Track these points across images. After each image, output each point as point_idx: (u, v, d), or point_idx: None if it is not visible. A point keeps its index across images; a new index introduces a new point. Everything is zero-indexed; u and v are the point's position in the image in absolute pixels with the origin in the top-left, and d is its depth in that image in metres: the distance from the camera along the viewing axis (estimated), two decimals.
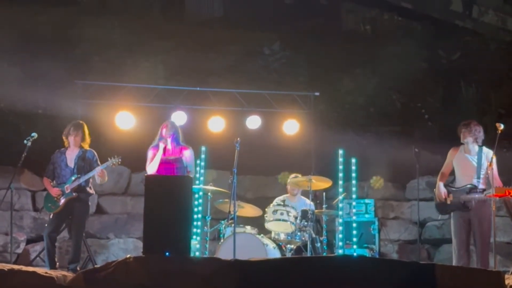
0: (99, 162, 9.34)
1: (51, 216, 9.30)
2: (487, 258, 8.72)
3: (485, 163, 8.88)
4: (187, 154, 9.16)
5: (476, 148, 9.01)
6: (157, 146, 9.15)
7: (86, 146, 9.40)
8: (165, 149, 9.13)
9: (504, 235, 11.18)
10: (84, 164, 9.27)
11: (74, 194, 9.16)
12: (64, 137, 9.40)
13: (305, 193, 10.68)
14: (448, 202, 8.99)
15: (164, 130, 9.21)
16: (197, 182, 10.88)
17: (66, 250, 10.60)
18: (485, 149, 8.94)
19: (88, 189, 9.34)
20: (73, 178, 9.18)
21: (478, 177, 8.93)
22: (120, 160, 9.29)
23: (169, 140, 9.17)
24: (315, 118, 12.49)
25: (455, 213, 9.01)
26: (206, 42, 15.59)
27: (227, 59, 15.10)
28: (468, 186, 8.95)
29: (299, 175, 10.59)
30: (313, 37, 16.30)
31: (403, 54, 15.49)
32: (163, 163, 9.05)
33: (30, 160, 9.55)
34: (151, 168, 9.04)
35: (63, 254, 10.54)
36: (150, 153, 9.19)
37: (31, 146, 9.33)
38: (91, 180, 9.36)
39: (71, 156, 9.32)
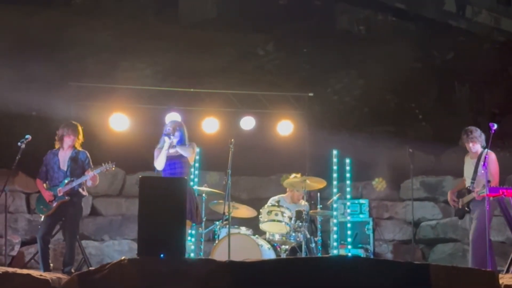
0: (91, 164, 9.28)
1: (42, 219, 9.23)
2: (480, 257, 8.74)
3: (481, 165, 8.96)
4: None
5: (480, 151, 9.08)
6: (162, 147, 9.12)
7: (78, 146, 9.34)
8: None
9: (499, 235, 11.20)
10: (77, 166, 9.20)
11: (66, 197, 9.10)
12: (57, 139, 9.34)
13: None
14: (460, 206, 9.29)
15: (168, 124, 9.22)
16: (191, 183, 10.87)
17: (60, 252, 10.56)
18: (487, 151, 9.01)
19: (80, 190, 9.25)
20: (66, 181, 9.10)
21: (473, 179, 9.07)
22: (114, 166, 9.23)
23: (174, 141, 9.14)
24: (309, 119, 12.48)
25: (467, 215, 9.28)
26: (200, 43, 15.58)
27: (221, 60, 15.10)
28: (466, 187, 9.18)
29: (297, 175, 10.56)
30: (307, 37, 16.30)
31: (397, 54, 15.51)
32: (167, 160, 9.05)
33: (24, 162, 9.50)
34: (158, 164, 9.03)
35: (57, 256, 10.50)
36: (156, 152, 9.17)
37: (25, 148, 9.26)
38: (83, 181, 9.30)
39: (63, 158, 9.23)
